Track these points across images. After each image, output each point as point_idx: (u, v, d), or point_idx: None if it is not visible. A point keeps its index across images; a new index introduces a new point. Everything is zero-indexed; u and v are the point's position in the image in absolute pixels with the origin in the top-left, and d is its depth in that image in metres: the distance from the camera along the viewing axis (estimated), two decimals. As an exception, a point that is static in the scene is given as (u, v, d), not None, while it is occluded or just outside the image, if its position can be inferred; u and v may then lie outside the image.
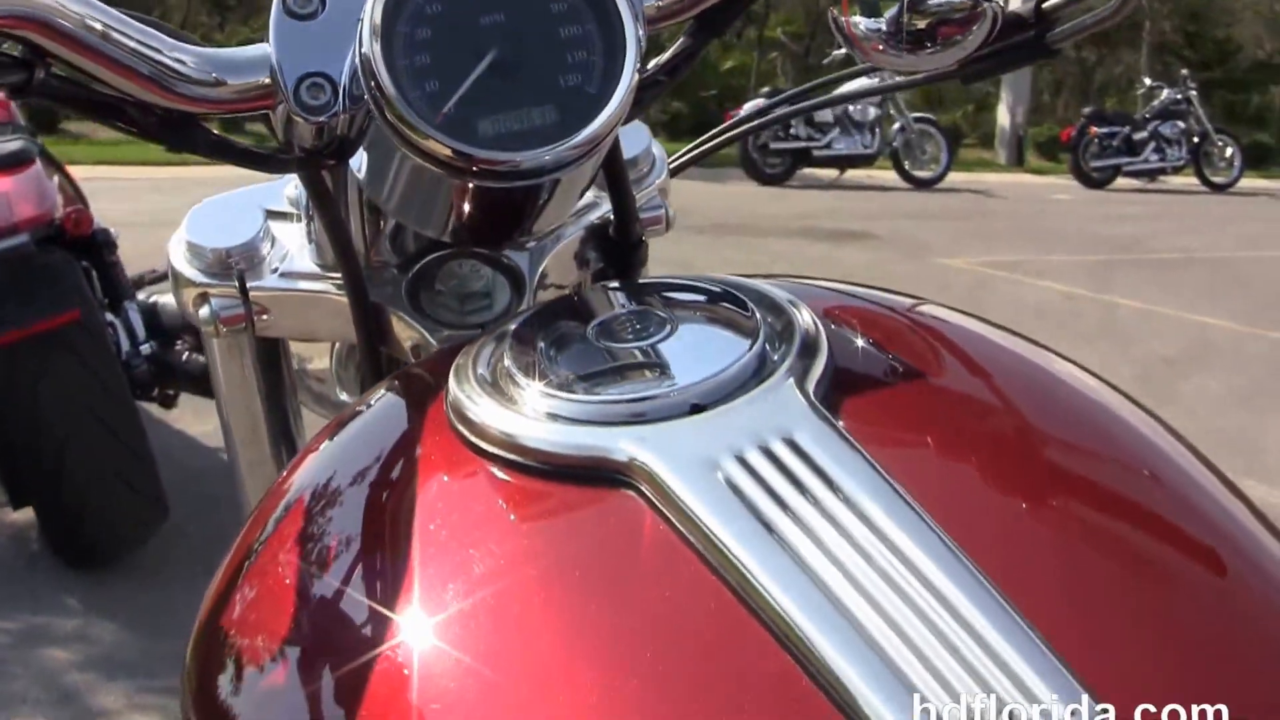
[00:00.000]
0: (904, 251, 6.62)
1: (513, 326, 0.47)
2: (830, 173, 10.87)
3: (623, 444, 0.38)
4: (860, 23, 0.61)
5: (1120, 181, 12.06)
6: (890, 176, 10.99)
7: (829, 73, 0.78)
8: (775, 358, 0.42)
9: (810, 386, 0.40)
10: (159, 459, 2.42)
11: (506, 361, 0.44)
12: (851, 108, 10.39)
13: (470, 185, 0.49)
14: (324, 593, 0.40)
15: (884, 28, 0.60)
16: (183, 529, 2.52)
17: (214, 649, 0.42)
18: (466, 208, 0.51)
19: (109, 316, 2.62)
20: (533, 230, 0.57)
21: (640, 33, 0.48)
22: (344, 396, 0.75)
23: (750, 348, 0.42)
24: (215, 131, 0.51)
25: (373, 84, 0.46)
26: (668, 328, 0.44)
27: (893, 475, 0.36)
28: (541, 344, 0.44)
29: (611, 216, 0.61)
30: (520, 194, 0.50)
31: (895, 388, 0.44)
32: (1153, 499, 0.42)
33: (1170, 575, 0.38)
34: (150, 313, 2.73)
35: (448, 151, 0.46)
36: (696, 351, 0.43)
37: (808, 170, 10.72)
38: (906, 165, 10.95)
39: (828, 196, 9.74)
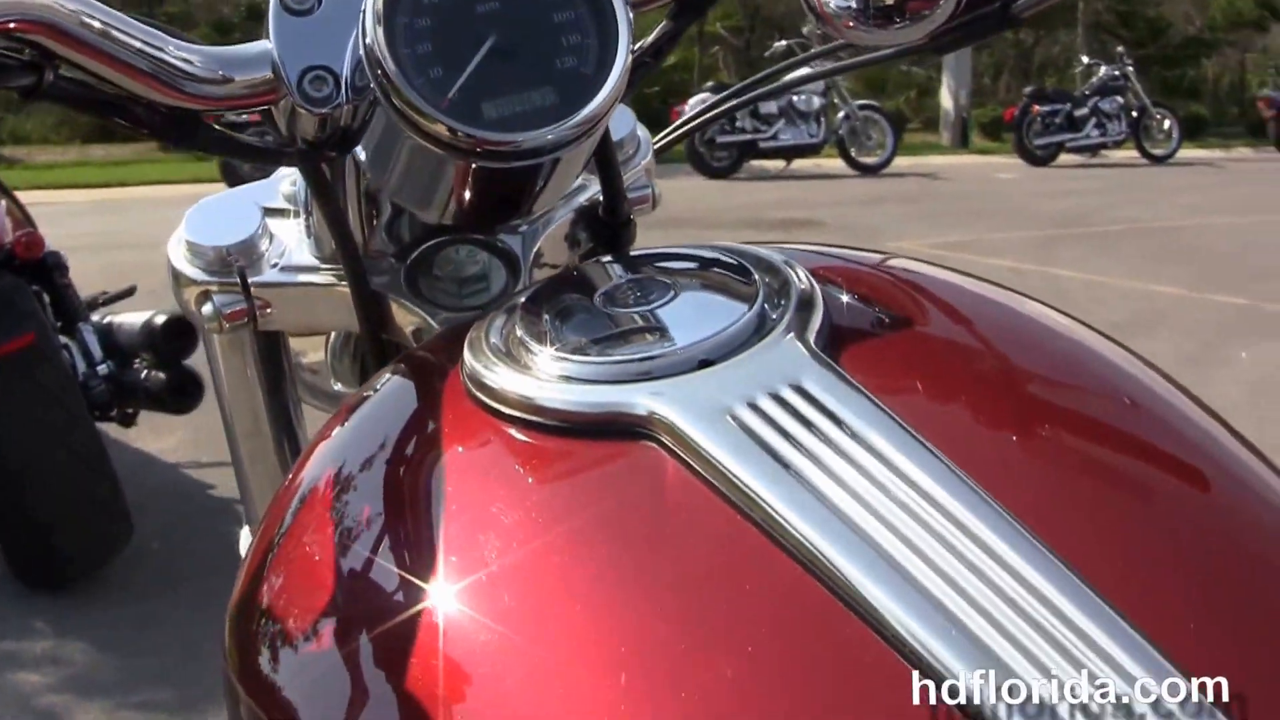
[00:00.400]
0: (853, 237, 6.68)
1: (521, 300, 0.48)
2: (777, 163, 10.91)
3: (639, 399, 0.40)
4: (830, 1, 0.63)
5: (1063, 158, 12.23)
6: (837, 164, 11.07)
7: (771, 65, 0.80)
8: (775, 315, 0.44)
9: (810, 338, 0.42)
10: (120, 477, 2.40)
11: (519, 332, 0.45)
12: (796, 98, 10.45)
13: (472, 167, 0.50)
14: (360, 563, 0.41)
15: (853, 5, 0.62)
16: (148, 545, 2.50)
17: (254, 626, 0.43)
18: (468, 191, 0.53)
19: (64, 339, 2.60)
20: (531, 211, 0.59)
21: (630, 15, 0.50)
22: (339, 387, 0.76)
23: (751, 306, 0.44)
24: (218, 128, 0.52)
25: (379, 72, 0.47)
26: (670, 293, 0.46)
27: (896, 412, 0.39)
28: (549, 315, 0.46)
29: (600, 197, 0.63)
30: (520, 174, 0.51)
31: (889, 335, 0.47)
32: (1131, 422, 0.44)
33: (1162, 491, 0.41)
34: (106, 333, 2.71)
35: (454, 134, 0.47)
36: (700, 312, 0.45)
37: (755, 162, 10.75)
38: (853, 152, 11.03)
39: (775, 187, 9.80)
